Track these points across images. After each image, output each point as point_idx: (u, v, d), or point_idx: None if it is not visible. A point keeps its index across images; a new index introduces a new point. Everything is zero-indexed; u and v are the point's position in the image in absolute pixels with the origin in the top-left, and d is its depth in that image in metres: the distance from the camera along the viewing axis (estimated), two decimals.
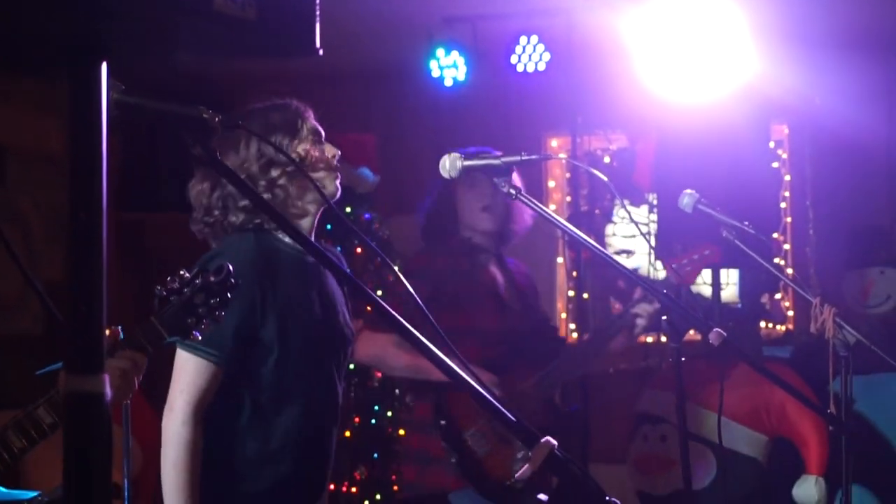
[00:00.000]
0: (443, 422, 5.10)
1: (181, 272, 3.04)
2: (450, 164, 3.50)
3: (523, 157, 3.48)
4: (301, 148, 3.75)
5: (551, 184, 8.91)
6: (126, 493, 4.86)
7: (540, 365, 5.28)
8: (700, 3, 6.51)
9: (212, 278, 3.01)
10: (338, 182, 3.81)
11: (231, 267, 3.05)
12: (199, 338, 3.05)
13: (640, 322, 5.19)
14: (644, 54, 6.71)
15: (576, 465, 2.20)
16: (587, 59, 7.52)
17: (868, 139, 8.06)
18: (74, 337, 1.47)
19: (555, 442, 2.16)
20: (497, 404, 2.25)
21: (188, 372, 3.60)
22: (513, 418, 2.21)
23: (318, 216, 3.82)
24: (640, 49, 6.73)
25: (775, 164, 8.17)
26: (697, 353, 5.87)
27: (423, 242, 5.54)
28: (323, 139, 3.84)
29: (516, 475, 2.04)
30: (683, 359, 3.49)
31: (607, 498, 2.14)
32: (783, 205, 8.45)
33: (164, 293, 3.00)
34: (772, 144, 7.68)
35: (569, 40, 7.38)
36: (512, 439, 5.04)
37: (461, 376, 2.29)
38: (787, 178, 8.54)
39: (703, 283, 7.35)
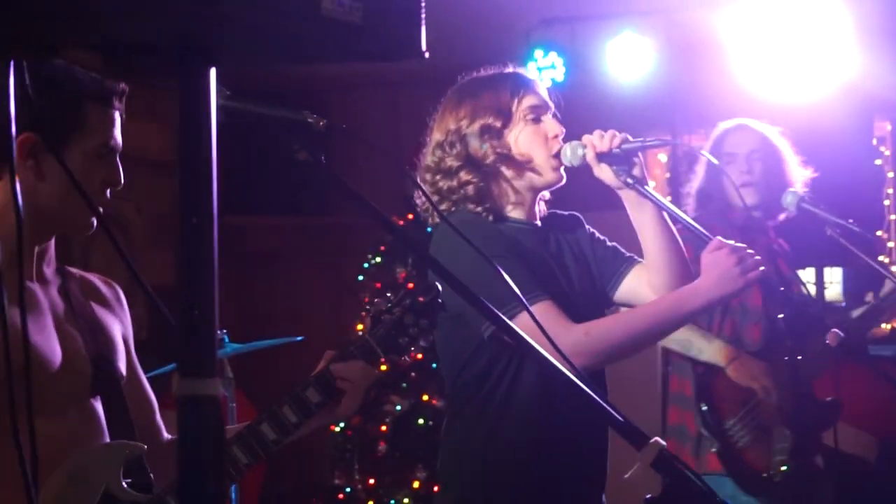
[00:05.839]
0: (704, 407, 4.89)
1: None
2: (570, 153, 3.47)
3: (647, 143, 3.47)
4: (512, 134, 3.53)
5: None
6: (233, 496, 4.91)
7: (797, 346, 4.97)
8: (800, 0, 6.45)
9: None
10: (561, 169, 3.53)
11: (439, 286, 3.01)
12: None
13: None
14: (744, 52, 6.67)
15: (684, 466, 2.18)
16: (686, 58, 7.48)
17: None
18: (188, 341, 1.48)
19: (664, 442, 2.14)
20: (602, 402, 2.23)
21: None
22: (620, 418, 2.19)
23: (537, 198, 3.61)
24: (739, 47, 6.69)
25: (878, 162, 8.07)
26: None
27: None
28: (545, 114, 3.61)
29: (626, 476, 2.02)
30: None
31: (718, 499, 2.12)
32: (887, 202, 8.34)
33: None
34: (875, 141, 7.58)
35: (667, 40, 7.35)
36: (771, 431, 4.85)
37: (561, 371, 2.27)
38: (891, 174, 8.43)
39: (807, 282, 7.27)
